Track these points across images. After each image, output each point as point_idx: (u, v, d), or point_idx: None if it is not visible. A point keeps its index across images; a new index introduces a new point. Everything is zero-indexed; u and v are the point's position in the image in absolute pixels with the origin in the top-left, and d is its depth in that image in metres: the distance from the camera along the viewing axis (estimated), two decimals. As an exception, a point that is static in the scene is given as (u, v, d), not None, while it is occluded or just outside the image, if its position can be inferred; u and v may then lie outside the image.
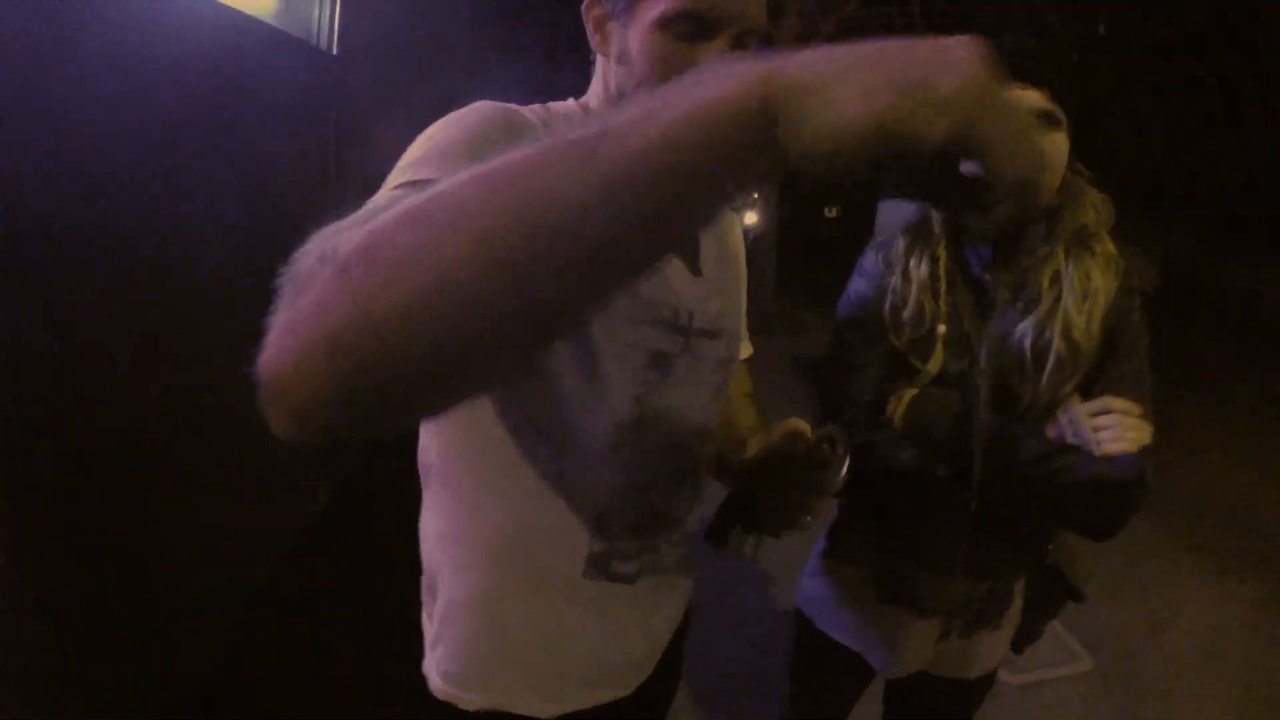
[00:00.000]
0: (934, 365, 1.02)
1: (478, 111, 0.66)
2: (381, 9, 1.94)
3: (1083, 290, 0.98)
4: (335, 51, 1.85)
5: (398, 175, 0.55)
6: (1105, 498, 0.93)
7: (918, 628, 1.12)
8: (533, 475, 0.75)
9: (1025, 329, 0.99)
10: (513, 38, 3.00)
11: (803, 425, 0.87)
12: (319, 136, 1.87)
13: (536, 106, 0.76)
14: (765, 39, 0.73)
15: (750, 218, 7.42)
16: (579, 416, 0.73)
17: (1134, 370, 0.99)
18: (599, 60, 0.79)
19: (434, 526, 0.81)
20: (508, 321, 0.33)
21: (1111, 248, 1.02)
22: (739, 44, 0.71)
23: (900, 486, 1.05)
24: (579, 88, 0.82)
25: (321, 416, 0.34)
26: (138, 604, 1.41)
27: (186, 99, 1.37)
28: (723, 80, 0.32)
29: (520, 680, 0.79)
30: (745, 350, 0.94)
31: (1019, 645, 1.19)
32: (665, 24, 0.69)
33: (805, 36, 8.28)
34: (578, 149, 0.33)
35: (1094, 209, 1.02)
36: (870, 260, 1.11)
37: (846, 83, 0.31)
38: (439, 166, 0.54)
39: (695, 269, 0.80)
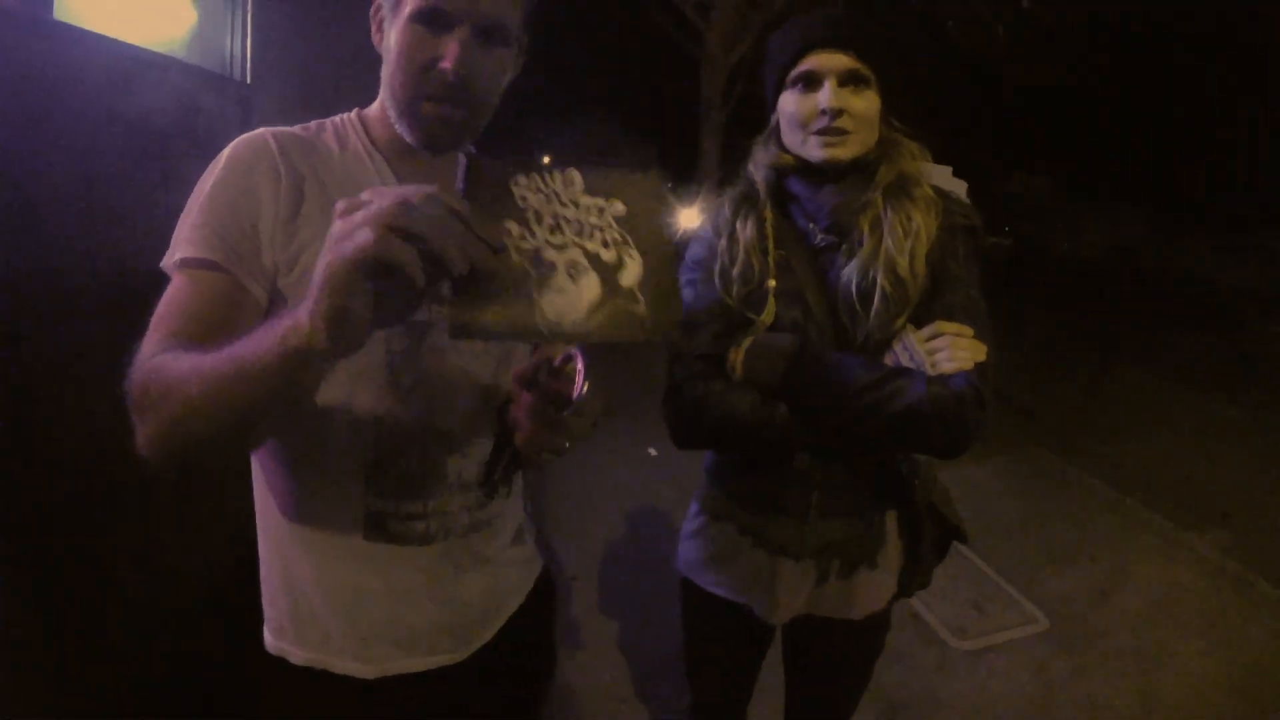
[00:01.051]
0: (767, 316, 1.07)
1: (232, 163, 0.79)
2: (291, 38, 1.93)
3: (903, 230, 1.04)
4: (249, 81, 1.84)
5: (174, 249, 0.76)
6: (943, 415, 0.97)
7: (791, 571, 1.16)
8: (301, 439, 0.83)
9: (851, 271, 1.05)
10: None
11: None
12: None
13: (311, 124, 0.87)
14: (501, 32, 0.81)
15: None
16: (329, 384, 0.81)
17: (964, 298, 1.06)
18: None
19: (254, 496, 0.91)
20: (217, 429, 0.63)
21: (930, 191, 1.09)
22: (480, 35, 0.79)
23: (749, 435, 1.10)
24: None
25: (155, 456, 0.66)
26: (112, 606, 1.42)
27: (101, 138, 1.35)
28: (269, 339, 0.57)
29: (325, 639, 0.86)
30: None
31: (906, 586, 1.22)
32: (414, 16, 0.78)
33: (734, 31, 8.40)
34: (228, 367, 0.59)
35: (911, 159, 1.10)
36: (703, 230, 1.19)
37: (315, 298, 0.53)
38: (205, 241, 0.75)
39: None
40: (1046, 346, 6.81)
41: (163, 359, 0.66)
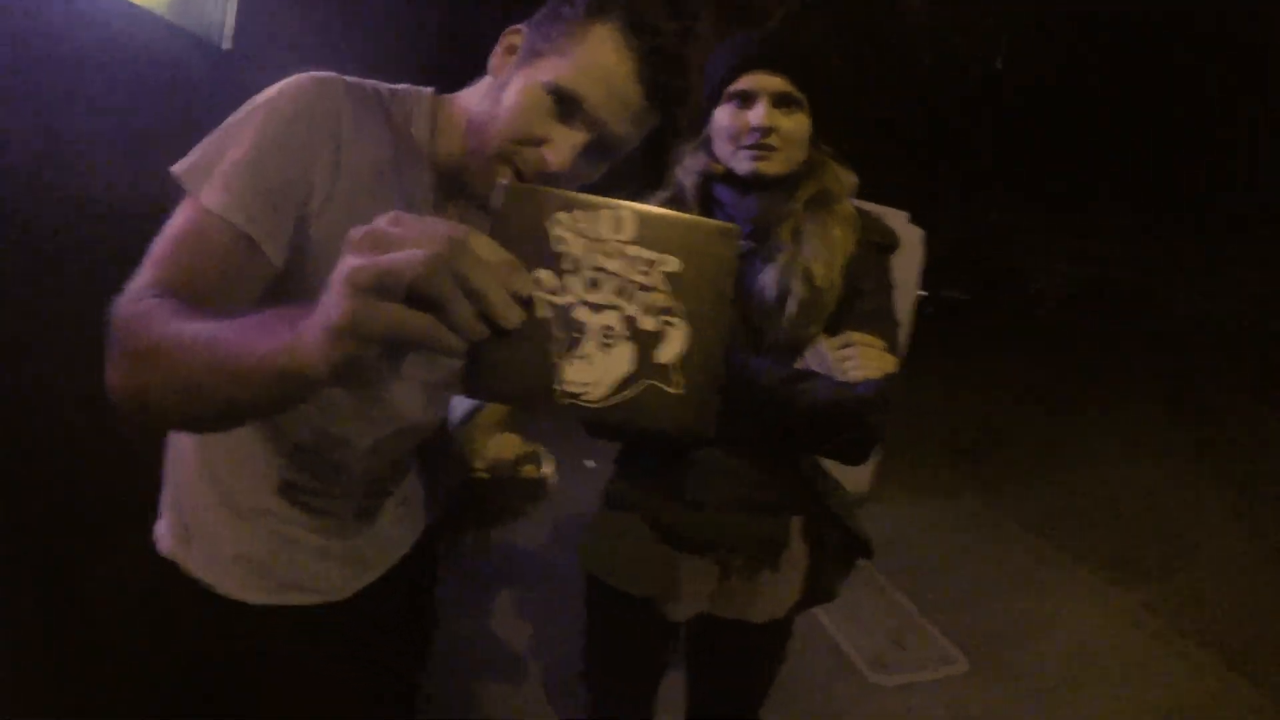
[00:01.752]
0: None
1: (295, 114, 0.71)
2: (276, 4, 1.94)
3: (822, 240, 1.10)
4: (230, 47, 1.84)
5: (203, 174, 0.68)
6: (847, 419, 1.02)
7: (694, 566, 1.19)
8: None
9: (769, 277, 1.11)
10: (408, 34, 3.00)
11: (511, 443, 1.01)
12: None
13: (393, 88, 0.82)
14: (613, 151, 0.78)
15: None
16: None
17: (876, 309, 1.13)
18: (488, 78, 0.82)
19: None
20: (191, 412, 0.59)
21: (850, 209, 1.15)
22: (595, 149, 0.76)
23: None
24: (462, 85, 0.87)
25: (120, 403, 0.59)
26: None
27: (81, 91, 1.34)
28: (266, 349, 0.49)
29: (217, 564, 0.89)
30: None
31: (809, 595, 1.25)
32: (551, 87, 0.73)
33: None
34: (217, 358, 0.53)
35: (835, 178, 1.17)
36: None
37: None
38: (241, 202, 0.68)
39: None
40: (994, 391, 6.85)
41: (152, 306, 0.60)
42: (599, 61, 0.72)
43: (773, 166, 1.10)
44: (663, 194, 1.22)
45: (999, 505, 4.32)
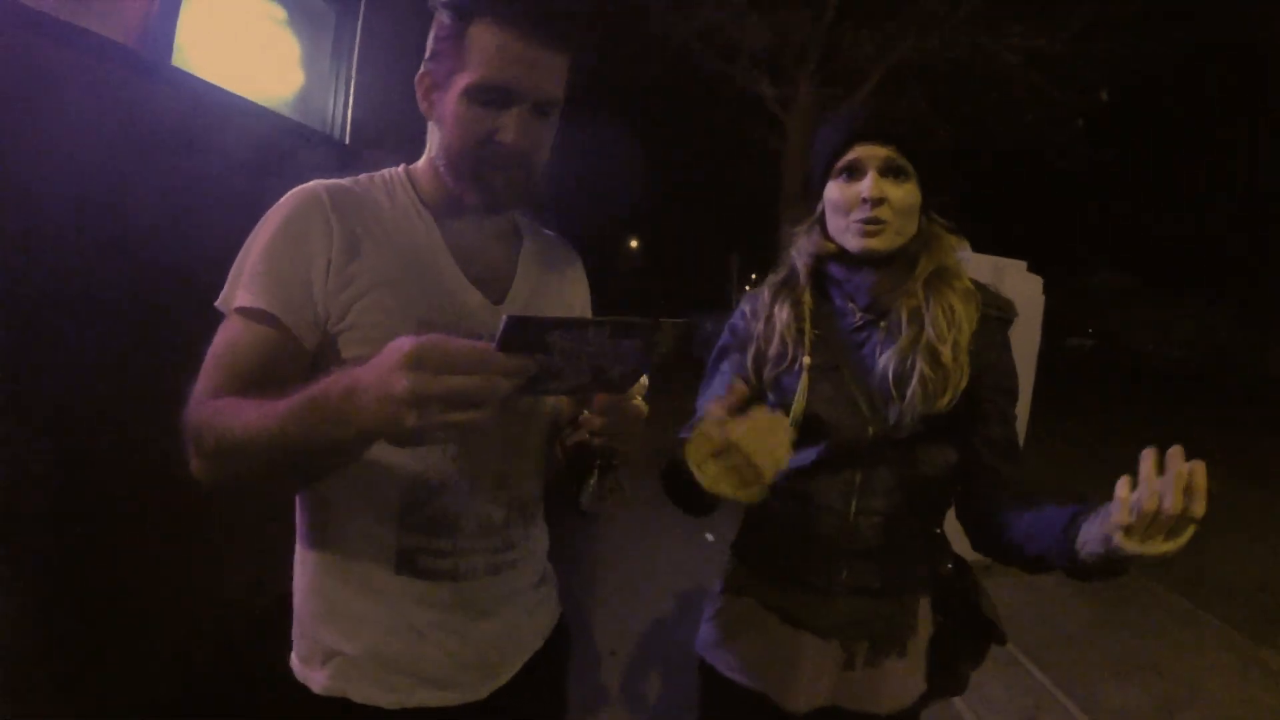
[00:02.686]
0: (800, 397, 1.08)
1: (288, 215, 0.84)
2: (389, 101, 2.09)
3: (946, 320, 1.06)
4: (348, 142, 1.98)
5: (232, 290, 0.83)
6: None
7: (815, 652, 1.12)
8: (340, 480, 0.87)
9: (889, 357, 1.06)
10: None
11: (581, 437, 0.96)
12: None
13: (362, 177, 0.93)
14: (554, 105, 0.88)
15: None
16: None
17: (998, 386, 1.10)
18: (430, 124, 0.92)
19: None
20: (268, 477, 0.75)
21: (969, 283, 1.11)
22: (538, 111, 0.86)
23: (776, 509, 1.10)
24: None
25: (206, 484, 0.76)
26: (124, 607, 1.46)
27: (214, 186, 1.47)
28: (345, 419, 0.64)
29: (348, 666, 0.88)
30: None
31: (938, 688, 1.16)
32: (472, 93, 0.83)
33: (816, 123, 8.59)
34: (280, 429, 0.68)
35: (950, 251, 1.13)
36: (738, 315, 1.22)
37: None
38: (263, 290, 0.81)
39: (495, 298, 0.93)
40: (1122, 448, 6.50)
41: (217, 405, 0.74)
42: (490, 48, 0.82)
43: (883, 241, 1.06)
44: (775, 276, 1.20)
45: (1136, 567, 3.95)
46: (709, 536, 3.49)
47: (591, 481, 0.94)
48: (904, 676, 1.14)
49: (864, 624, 1.11)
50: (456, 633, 0.91)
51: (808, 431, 1.07)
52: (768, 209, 9.18)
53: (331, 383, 0.65)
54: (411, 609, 0.88)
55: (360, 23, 2.12)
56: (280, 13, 1.93)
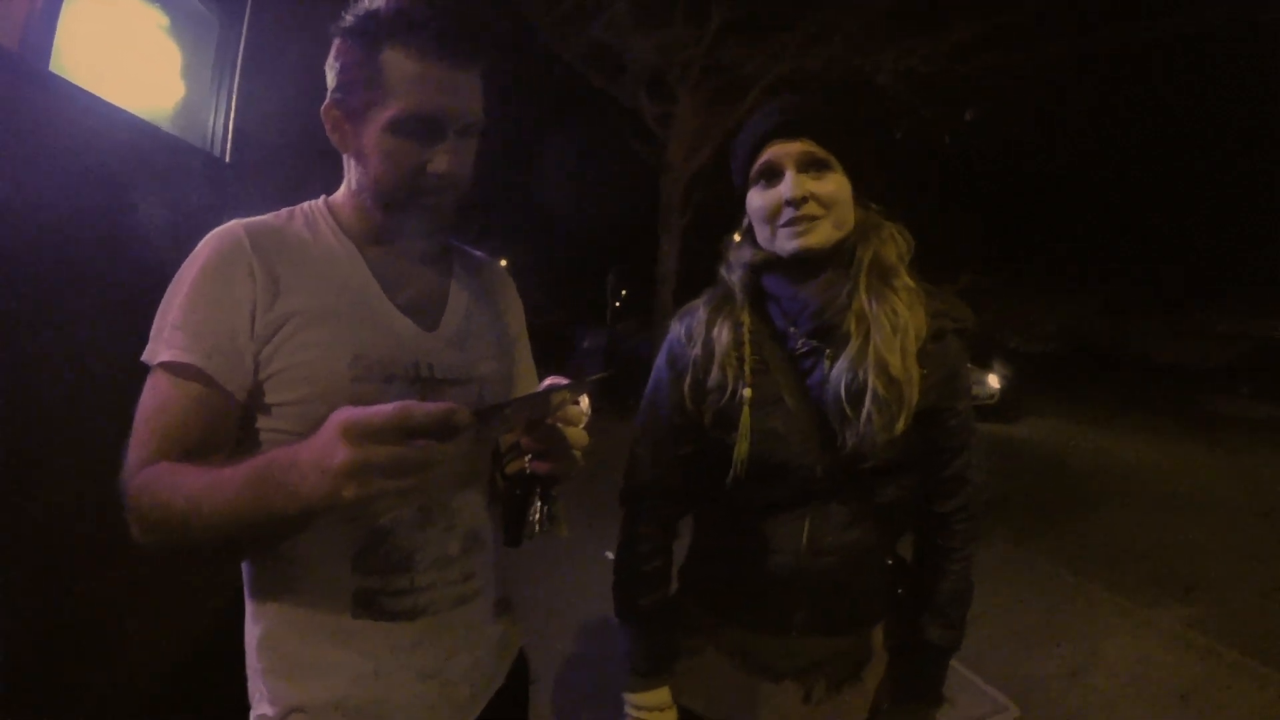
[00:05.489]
0: (742, 446, 1.01)
1: (209, 262, 0.80)
2: (272, 118, 1.99)
3: (891, 325, 0.97)
4: (228, 160, 1.88)
5: (156, 344, 0.79)
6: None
7: (774, 692, 1.09)
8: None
9: (840, 372, 0.98)
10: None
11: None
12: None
13: (281, 211, 0.89)
14: (476, 125, 0.86)
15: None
16: None
17: (953, 409, 1.05)
18: (345, 156, 0.89)
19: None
20: (210, 545, 0.73)
21: (911, 282, 1.02)
22: (463, 134, 0.84)
23: (729, 543, 1.08)
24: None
25: (148, 547, 0.73)
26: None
27: (80, 198, 1.36)
28: (290, 494, 0.63)
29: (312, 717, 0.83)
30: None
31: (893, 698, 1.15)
32: (397, 127, 0.80)
33: (694, 140, 8.77)
34: (227, 503, 0.67)
35: (892, 240, 1.03)
36: (674, 339, 1.12)
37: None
38: (188, 344, 0.78)
39: (428, 325, 0.90)
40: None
41: (154, 473, 0.73)
42: (409, 77, 0.79)
43: (819, 238, 0.98)
44: (710, 294, 1.12)
45: (1026, 546, 4.25)
46: (609, 554, 3.51)
47: (533, 511, 0.91)
48: (863, 695, 1.13)
49: (821, 664, 1.09)
50: (422, 673, 0.87)
51: (754, 472, 1.01)
52: (647, 227, 9.29)
53: (275, 456, 0.64)
54: (374, 653, 0.84)
55: (245, 31, 2.01)
56: (164, 19, 1.81)
